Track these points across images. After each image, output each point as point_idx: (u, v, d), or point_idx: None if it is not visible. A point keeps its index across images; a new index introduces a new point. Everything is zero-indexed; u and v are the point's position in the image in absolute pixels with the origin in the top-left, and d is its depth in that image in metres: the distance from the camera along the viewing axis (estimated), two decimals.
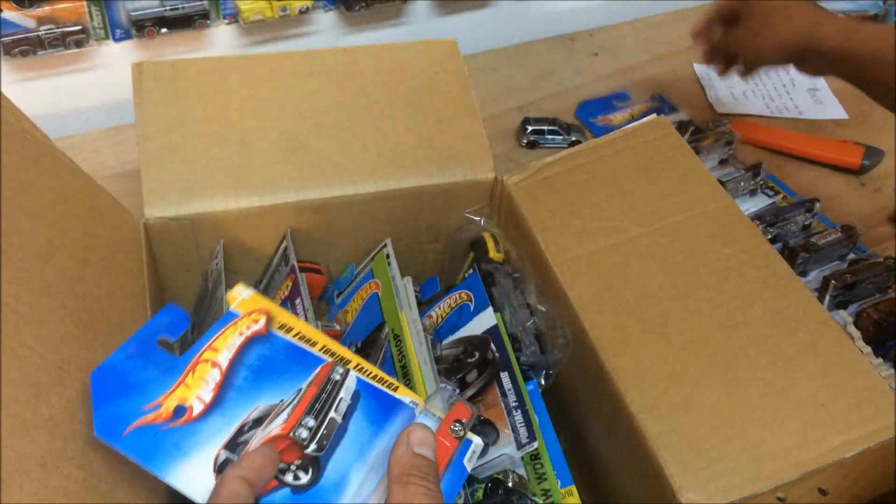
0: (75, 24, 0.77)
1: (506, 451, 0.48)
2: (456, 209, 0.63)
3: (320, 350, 0.43)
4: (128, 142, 0.79)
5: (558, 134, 0.85)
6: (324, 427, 0.40)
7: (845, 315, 0.68)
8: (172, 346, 0.42)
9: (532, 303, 0.57)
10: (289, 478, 0.39)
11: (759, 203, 0.78)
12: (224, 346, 0.42)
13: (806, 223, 0.76)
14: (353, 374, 0.43)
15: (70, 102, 0.86)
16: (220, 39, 0.88)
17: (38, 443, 0.36)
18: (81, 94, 0.86)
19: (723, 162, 0.81)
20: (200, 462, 0.38)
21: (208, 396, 0.40)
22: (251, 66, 0.61)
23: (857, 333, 0.66)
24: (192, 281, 0.61)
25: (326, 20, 0.92)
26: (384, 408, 0.43)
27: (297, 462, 0.39)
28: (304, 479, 0.39)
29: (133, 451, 0.38)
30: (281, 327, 0.43)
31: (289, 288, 0.54)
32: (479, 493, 0.48)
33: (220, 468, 0.38)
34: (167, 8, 0.80)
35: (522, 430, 0.49)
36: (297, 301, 0.52)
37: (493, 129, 0.86)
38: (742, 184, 0.78)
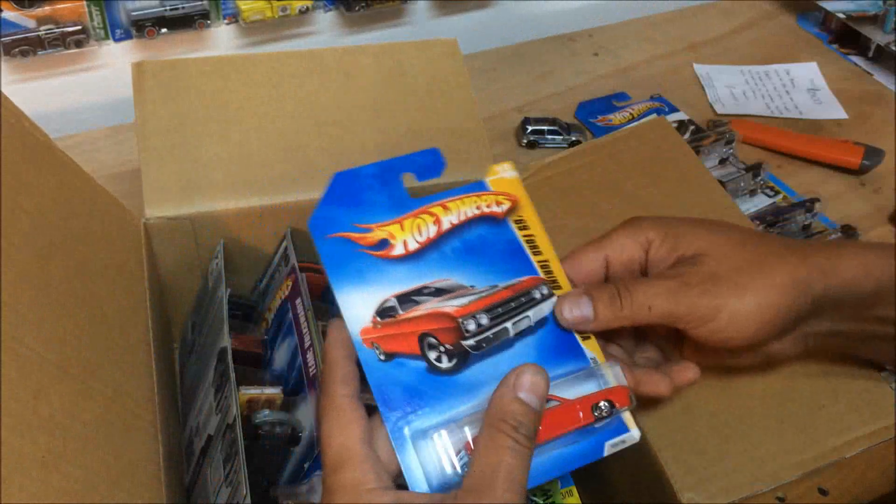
0: (75, 24, 0.77)
1: None
2: None
3: (540, 263, 0.42)
4: (128, 142, 0.79)
5: (558, 134, 0.85)
6: (492, 331, 0.39)
7: None
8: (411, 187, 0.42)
9: None
10: (432, 355, 0.38)
11: (759, 203, 0.78)
12: (456, 210, 0.42)
13: (806, 223, 0.76)
14: (552, 302, 0.41)
15: (70, 102, 0.86)
16: (220, 39, 0.88)
17: (38, 443, 0.36)
18: (81, 94, 0.86)
19: (723, 162, 0.81)
20: (370, 296, 0.38)
21: (413, 246, 0.40)
22: (251, 66, 0.61)
23: None
24: (192, 281, 0.61)
25: (326, 20, 0.92)
26: (561, 350, 0.40)
27: (449, 347, 0.38)
28: (445, 365, 0.38)
29: (326, 254, 0.39)
30: (517, 221, 0.43)
31: (289, 288, 0.54)
32: None
33: (381, 313, 0.38)
34: (167, 8, 0.80)
35: None
36: (297, 301, 0.52)
37: (493, 129, 0.86)
38: (742, 184, 0.78)
